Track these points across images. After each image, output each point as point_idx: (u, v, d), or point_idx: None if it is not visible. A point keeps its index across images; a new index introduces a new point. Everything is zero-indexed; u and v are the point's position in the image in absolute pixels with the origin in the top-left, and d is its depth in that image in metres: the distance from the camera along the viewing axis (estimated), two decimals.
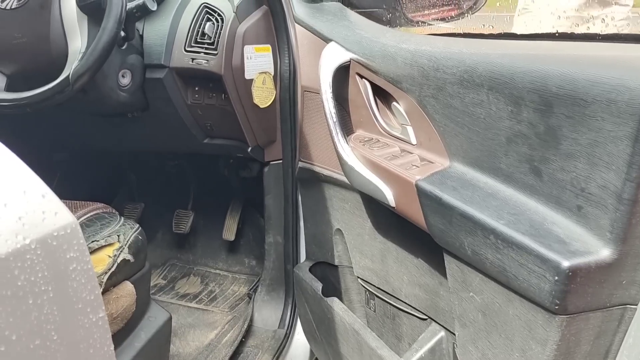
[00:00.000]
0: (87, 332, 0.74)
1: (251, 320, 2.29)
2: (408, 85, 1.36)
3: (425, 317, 1.56)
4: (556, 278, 0.93)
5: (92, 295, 0.75)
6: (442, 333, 1.49)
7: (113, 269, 1.44)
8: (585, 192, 0.96)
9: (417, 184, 1.27)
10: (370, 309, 1.85)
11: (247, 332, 2.25)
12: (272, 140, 2.13)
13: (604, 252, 0.93)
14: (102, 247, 1.45)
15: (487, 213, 1.09)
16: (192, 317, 2.37)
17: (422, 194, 1.25)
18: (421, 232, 1.43)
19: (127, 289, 1.51)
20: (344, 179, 1.72)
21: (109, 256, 1.45)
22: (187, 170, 2.78)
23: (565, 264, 0.92)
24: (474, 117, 1.18)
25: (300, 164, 1.95)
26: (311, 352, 2.22)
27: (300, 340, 2.26)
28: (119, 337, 1.50)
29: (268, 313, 2.31)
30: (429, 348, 1.50)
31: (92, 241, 1.44)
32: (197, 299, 2.50)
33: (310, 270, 2.05)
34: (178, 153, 2.68)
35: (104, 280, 1.40)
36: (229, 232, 2.64)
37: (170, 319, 1.72)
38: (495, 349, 1.13)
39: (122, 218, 1.63)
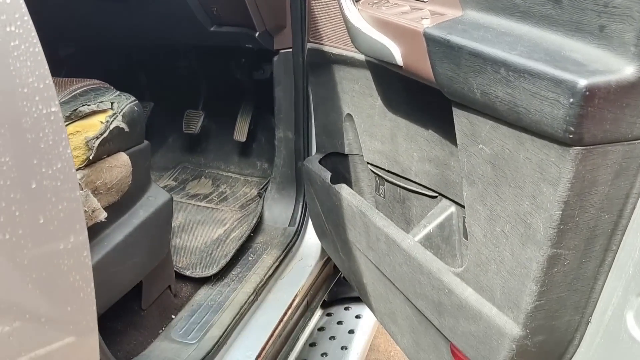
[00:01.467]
0: (35, 122, 0.67)
1: (261, 218, 2.24)
2: None
3: (435, 194, 1.47)
4: (571, 100, 0.83)
5: (41, 83, 0.67)
6: (452, 208, 1.41)
7: (105, 135, 1.37)
8: (609, 6, 0.84)
9: (425, 32, 1.15)
10: (380, 195, 1.77)
11: (257, 229, 2.20)
12: (281, 26, 2.02)
13: (627, 70, 0.82)
14: (94, 112, 1.38)
15: (499, 47, 0.98)
16: (202, 214, 2.32)
17: (430, 41, 1.14)
18: (431, 101, 1.33)
19: (122, 159, 1.45)
20: (353, 54, 1.62)
21: (101, 122, 1.39)
22: (198, 71, 2.69)
23: (582, 82, 0.82)
24: None
25: (310, 45, 1.84)
26: (322, 250, 2.16)
27: (310, 240, 2.20)
28: (115, 210, 1.45)
29: (278, 211, 2.25)
30: (438, 223, 1.41)
31: (83, 105, 1.37)
32: (208, 199, 2.45)
33: (320, 162, 1.96)
34: (186, 45, 2.58)
35: (95, 145, 1.34)
36: (241, 133, 2.56)
37: (171, 200, 1.67)
38: (504, 202, 1.04)
39: (119, 91, 1.56)
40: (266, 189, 2.32)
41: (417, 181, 1.52)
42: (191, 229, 2.21)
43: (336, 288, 2.39)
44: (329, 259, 2.20)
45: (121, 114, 1.44)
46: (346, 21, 1.45)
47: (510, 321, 1.07)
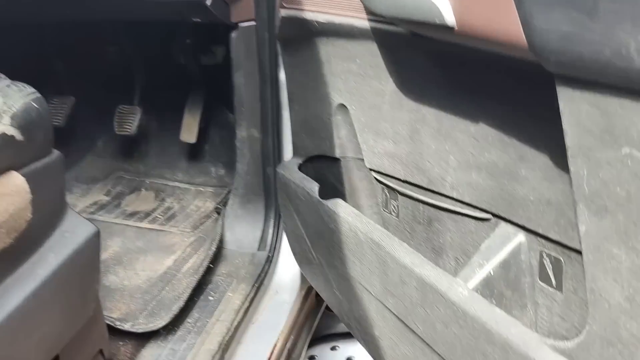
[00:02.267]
0: None
1: (221, 242, 1.74)
2: None
3: (487, 215, 1.02)
4: None
5: None
6: (521, 237, 0.96)
7: None
8: None
9: None
10: (391, 213, 1.31)
11: (217, 257, 1.71)
12: None
13: None
14: None
15: None
16: (143, 239, 1.80)
17: None
18: (486, 82, 0.88)
19: (14, 183, 0.94)
20: (351, 20, 1.15)
21: None
22: (132, 56, 2.15)
23: None
24: None
25: (283, 13, 1.35)
26: (301, 276, 1.69)
27: (286, 265, 1.73)
28: (6, 260, 0.94)
29: (243, 232, 1.76)
30: (501, 261, 0.96)
31: None
32: (150, 218, 1.93)
33: (300, 169, 1.49)
34: (115, 22, 2.04)
35: None
36: (189, 132, 2.05)
37: (97, 234, 1.15)
38: None
39: (10, 81, 1.04)
40: (225, 202, 1.83)
41: (455, 197, 1.07)
42: (130, 261, 1.69)
43: (318, 324, 1.92)
44: (311, 288, 1.73)
45: (10, 115, 0.92)
46: None
47: None
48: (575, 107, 0.67)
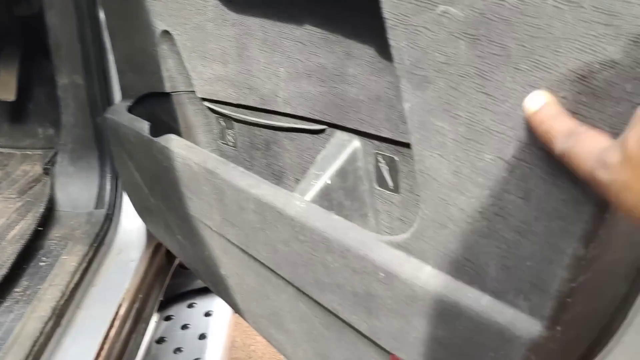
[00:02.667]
0: None
1: (52, 202, 1.57)
2: None
3: (321, 126, 0.96)
4: None
5: None
6: (356, 142, 0.91)
7: None
8: None
9: None
10: (228, 144, 1.22)
11: (49, 220, 1.54)
12: None
13: None
14: None
15: None
16: None
17: None
18: None
19: None
20: None
21: None
22: None
23: None
24: None
25: None
26: (148, 234, 1.56)
27: (130, 223, 1.59)
28: None
29: (77, 190, 1.60)
30: (337, 169, 0.91)
31: None
32: None
33: (130, 111, 1.36)
34: None
35: None
36: (6, 90, 1.82)
37: None
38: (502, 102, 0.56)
39: None
40: (54, 162, 1.65)
41: (289, 112, 1.00)
42: None
43: (173, 280, 1.81)
44: (159, 245, 1.61)
45: None
46: None
47: (524, 317, 0.61)
48: None
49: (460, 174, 0.62)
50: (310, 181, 0.91)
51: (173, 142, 1.14)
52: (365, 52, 0.82)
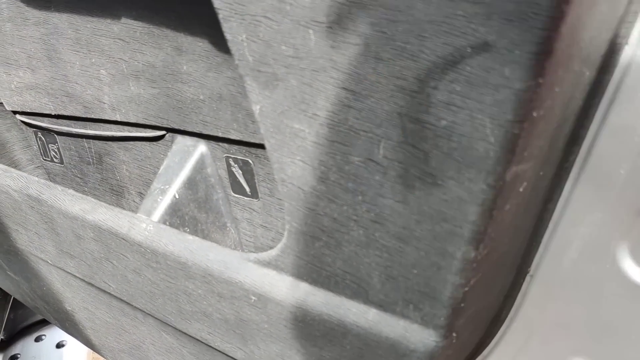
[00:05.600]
0: None
1: None
2: None
3: (159, 132, 0.84)
4: None
5: None
6: (202, 147, 0.80)
7: None
8: None
9: None
10: (53, 160, 1.05)
11: None
12: None
13: None
14: None
15: None
16: None
17: None
18: None
19: None
20: None
21: None
22: None
23: None
24: None
25: None
26: None
27: None
28: None
29: None
30: (183, 181, 0.80)
31: None
32: None
33: None
34: None
35: None
36: None
37: None
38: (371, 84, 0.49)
39: None
40: None
41: (119, 119, 0.87)
42: None
43: (13, 312, 1.60)
44: None
45: None
46: None
47: (417, 328, 0.55)
48: None
49: (328, 181, 0.55)
50: (155, 198, 0.79)
51: None
52: (198, 47, 0.71)
